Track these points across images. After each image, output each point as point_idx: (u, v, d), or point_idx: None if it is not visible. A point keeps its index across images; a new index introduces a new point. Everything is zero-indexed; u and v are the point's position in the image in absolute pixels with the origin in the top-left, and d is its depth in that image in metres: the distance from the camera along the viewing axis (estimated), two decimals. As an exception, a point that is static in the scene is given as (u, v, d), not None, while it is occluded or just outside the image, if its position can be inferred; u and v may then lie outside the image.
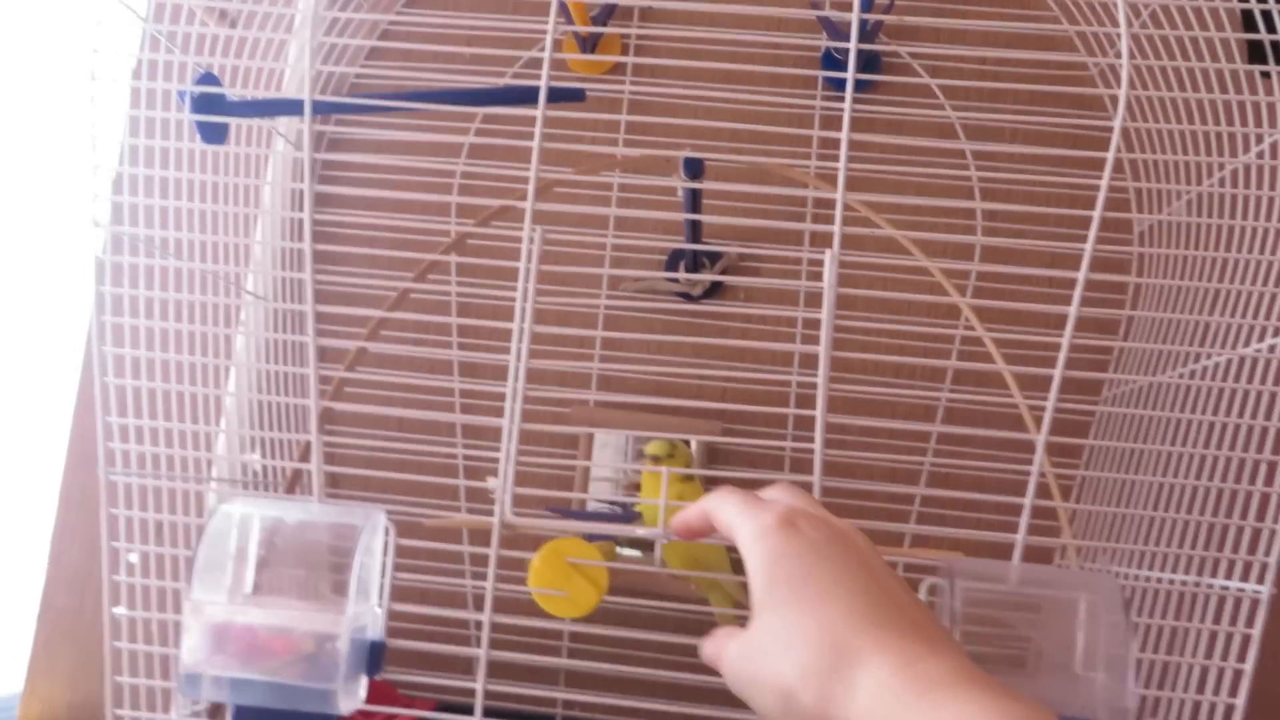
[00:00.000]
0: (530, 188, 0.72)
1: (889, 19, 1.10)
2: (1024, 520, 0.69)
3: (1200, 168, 0.94)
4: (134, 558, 0.75)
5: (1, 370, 1.26)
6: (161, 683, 0.73)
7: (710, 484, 0.87)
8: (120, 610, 0.73)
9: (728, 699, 0.93)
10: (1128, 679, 0.64)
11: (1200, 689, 0.71)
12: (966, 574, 0.68)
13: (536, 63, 1.14)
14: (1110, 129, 0.68)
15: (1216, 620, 0.72)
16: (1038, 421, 0.69)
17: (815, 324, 1.05)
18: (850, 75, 0.67)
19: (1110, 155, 0.67)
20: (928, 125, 1.13)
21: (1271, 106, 0.83)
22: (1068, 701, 0.66)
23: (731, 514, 0.53)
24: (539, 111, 0.73)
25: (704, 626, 0.57)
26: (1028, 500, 0.69)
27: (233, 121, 0.86)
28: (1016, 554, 0.69)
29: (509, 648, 1.03)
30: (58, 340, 1.25)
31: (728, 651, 0.50)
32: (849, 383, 1.10)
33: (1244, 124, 0.85)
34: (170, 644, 0.71)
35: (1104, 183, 0.67)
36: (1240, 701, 0.68)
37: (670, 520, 0.58)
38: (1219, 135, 0.88)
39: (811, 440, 1.03)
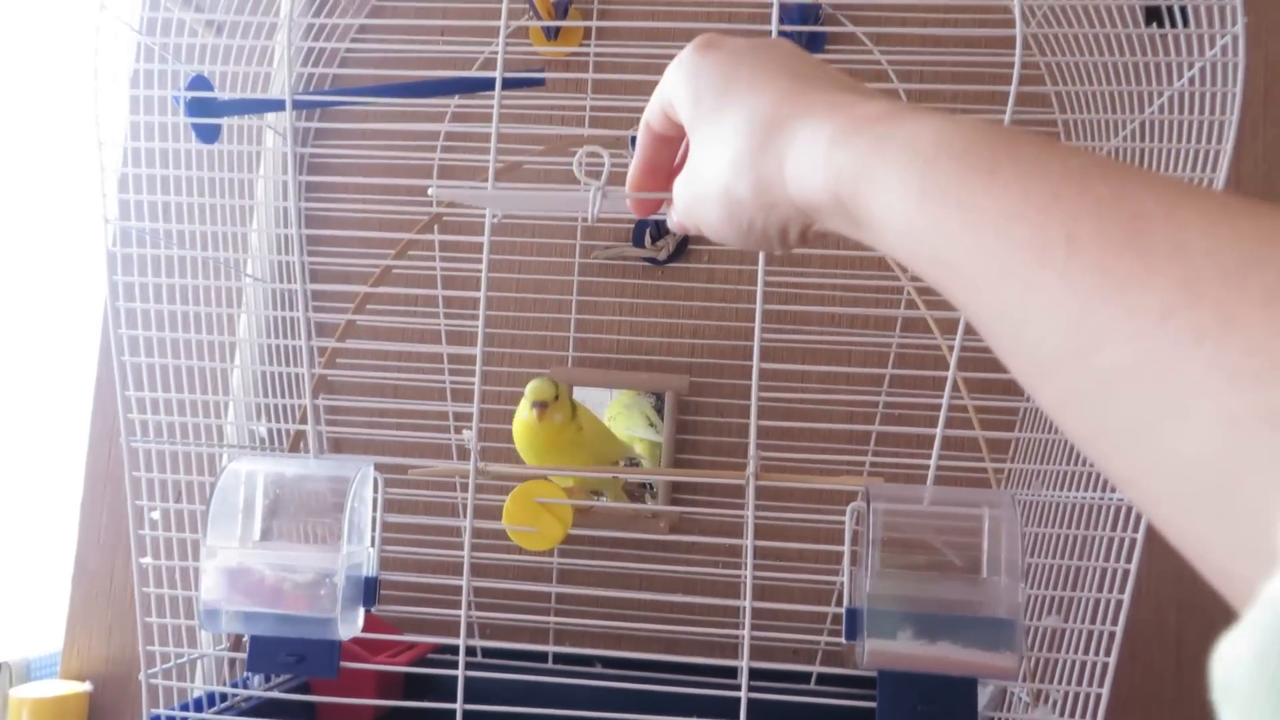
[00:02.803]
0: (490, 170, 0.81)
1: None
2: (935, 448, 0.79)
3: (1108, 124, 1.02)
4: (156, 515, 0.85)
5: (25, 356, 1.35)
6: (186, 621, 0.83)
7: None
8: (146, 560, 0.83)
9: (707, 648, 1.03)
10: (1020, 579, 0.74)
11: (1099, 588, 0.81)
12: (884, 497, 0.78)
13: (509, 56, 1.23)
14: (1014, 64, 0.76)
15: (1113, 528, 0.81)
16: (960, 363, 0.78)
17: (776, 281, 1.15)
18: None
19: (1013, 89, 0.76)
20: (864, 75, 1.20)
21: (1169, 65, 0.91)
22: (976, 602, 0.75)
23: (661, 86, 0.47)
24: (494, 104, 0.81)
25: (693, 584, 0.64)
26: (939, 430, 0.78)
27: (225, 121, 0.95)
28: (930, 478, 0.78)
29: (500, 597, 1.13)
30: (74, 328, 1.35)
31: (675, 189, 0.47)
32: (808, 333, 1.19)
33: (1146, 83, 0.93)
34: (192, 587, 0.81)
35: (1008, 113, 0.76)
36: (1126, 598, 0.78)
37: (632, 180, 0.51)
38: (1124, 95, 0.96)
39: (769, 390, 1.13)
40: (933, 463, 0.79)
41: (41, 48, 1.39)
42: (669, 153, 0.50)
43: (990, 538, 0.75)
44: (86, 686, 1.19)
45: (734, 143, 0.41)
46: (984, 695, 0.98)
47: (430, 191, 0.59)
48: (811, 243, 0.42)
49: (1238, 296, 0.23)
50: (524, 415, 0.92)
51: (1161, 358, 0.24)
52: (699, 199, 0.44)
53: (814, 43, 1.20)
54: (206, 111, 0.90)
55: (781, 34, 1.18)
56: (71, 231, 1.38)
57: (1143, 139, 0.96)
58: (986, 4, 1.01)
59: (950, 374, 0.79)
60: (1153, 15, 0.92)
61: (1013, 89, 0.77)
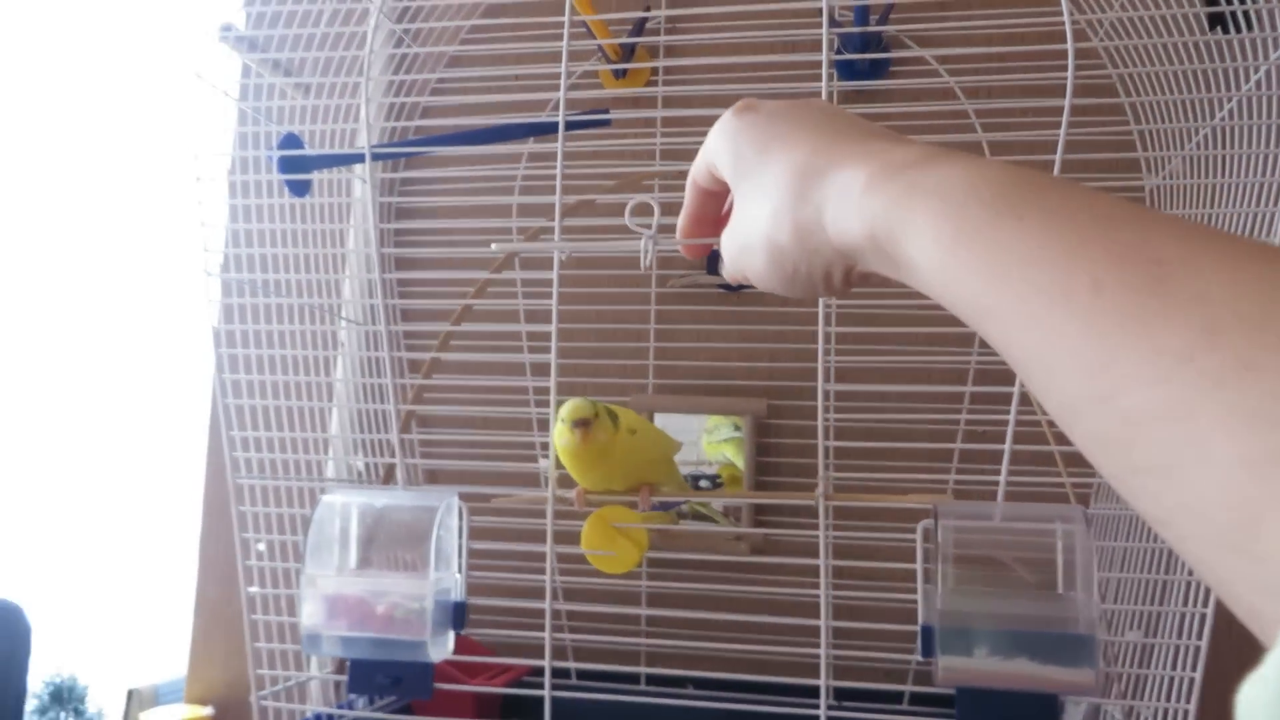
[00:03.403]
0: (556, 210, 0.85)
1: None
2: (1004, 464, 0.79)
3: (1181, 133, 1.00)
4: (262, 546, 0.91)
5: (144, 405, 1.45)
6: (293, 646, 0.89)
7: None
8: (254, 589, 0.89)
9: (795, 668, 1.04)
10: (1095, 594, 0.73)
11: (1184, 602, 0.80)
12: (953, 514, 0.78)
13: (577, 99, 1.27)
14: (1067, 78, 0.77)
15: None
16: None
17: (852, 304, 1.16)
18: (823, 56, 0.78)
19: (1067, 99, 0.77)
20: (932, 95, 1.21)
21: (1235, 70, 0.90)
22: (1052, 618, 0.75)
23: (705, 147, 0.50)
24: (559, 145, 0.85)
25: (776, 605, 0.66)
26: (1006, 446, 0.79)
27: (315, 176, 1.01)
28: (1000, 494, 0.79)
29: (592, 620, 1.17)
30: (190, 375, 1.44)
31: (723, 241, 0.49)
32: (885, 353, 1.20)
33: (1215, 89, 0.92)
34: (296, 614, 0.86)
35: (1063, 126, 0.77)
36: (1210, 611, 0.76)
37: (681, 229, 0.54)
38: (1194, 103, 0.96)
39: (849, 411, 1.14)
40: (1002, 479, 0.79)
41: (146, 115, 1.49)
42: (715, 205, 0.53)
43: (1064, 553, 0.75)
44: (209, 710, 1.26)
45: (774, 195, 0.43)
46: (1076, 713, 0.96)
47: (493, 247, 0.63)
48: (856, 285, 0.44)
49: (1257, 342, 0.24)
50: (562, 442, 0.85)
51: (1183, 401, 0.25)
52: (745, 250, 0.45)
53: (876, 70, 1.21)
54: (298, 167, 0.96)
55: (841, 64, 1.21)
56: (181, 286, 1.48)
57: (1214, 146, 0.95)
58: (1050, 23, 1.01)
59: (1015, 388, 0.79)
60: (1216, 21, 0.92)
61: (1066, 102, 0.78)
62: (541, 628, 1.03)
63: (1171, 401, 0.25)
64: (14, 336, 1.53)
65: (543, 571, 1.05)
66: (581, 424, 0.83)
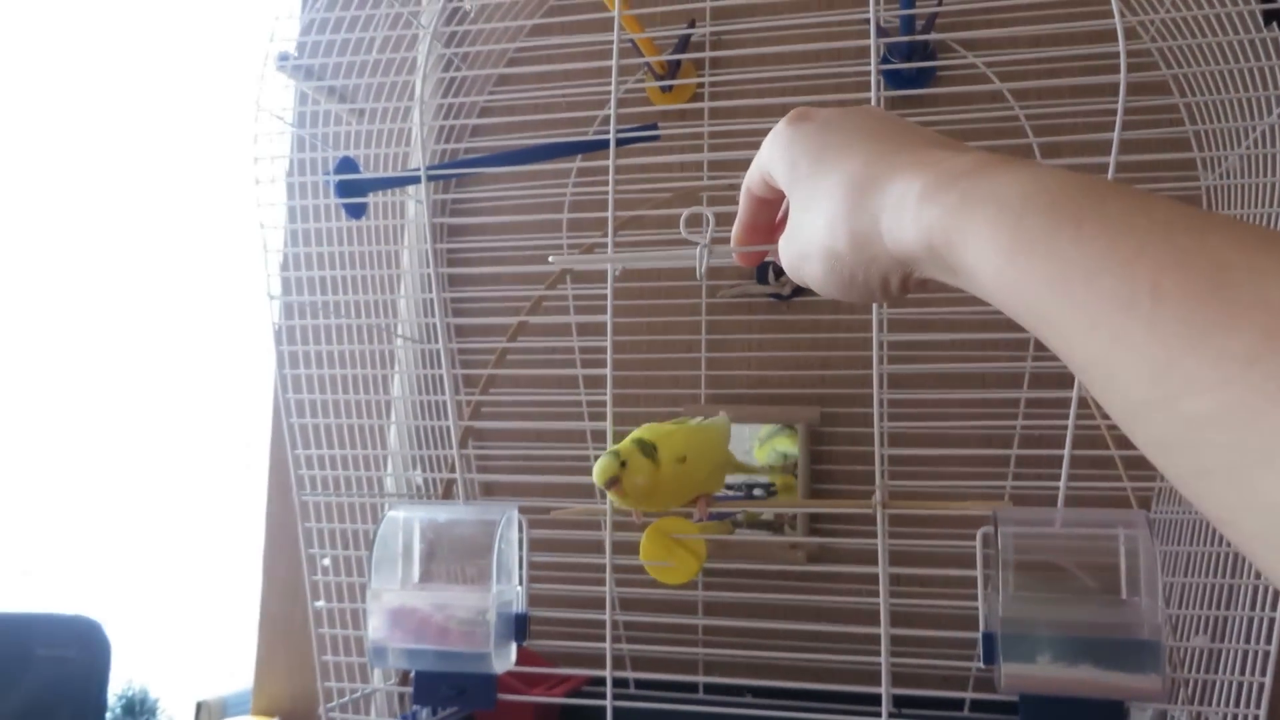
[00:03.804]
0: (609, 225, 0.86)
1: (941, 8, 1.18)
2: (1064, 470, 0.78)
3: (1236, 131, 0.99)
4: (327, 561, 0.93)
5: (206, 426, 1.49)
6: (359, 659, 0.91)
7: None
8: (320, 603, 0.91)
9: (854, 676, 1.04)
10: (1159, 600, 0.72)
11: (1252, 605, 0.78)
12: (1012, 520, 0.78)
13: (624, 114, 1.29)
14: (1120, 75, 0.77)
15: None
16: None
17: (904, 312, 1.16)
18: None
19: (1120, 100, 0.76)
20: (981, 98, 1.20)
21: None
22: (1116, 624, 0.75)
23: (759, 156, 0.50)
24: (610, 160, 0.87)
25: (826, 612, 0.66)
26: (1066, 451, 0.78)
27: (371, 198, 1.04)
28: (1060, 499, 0.78)
29: (650, 630, 1.17)
30: (251, 396, 1.48)
31: (780, 248, 0.50)
32: (940, 360, 1.19)
33: (1272, 88, 0.91)
34: (361, 627, 0.88)
35: (1117, 126, 0.76)
36: (1279, 615, 0.75)
37: (736, 238, 0.55)
38: (1250, 101, 0.94)
39: (903, 418, 1.14)
40: (1062, 484, 0.79)
41: (207, 145, 1.53)
42: (769, 213, 0.53)
43: (1127, 558, 0.74)
44: (275, 723, 1.29)
45: (829, 204, 0.43)
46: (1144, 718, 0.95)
47: (551, 260, 0.64)
48: (914, 291, 0.44)
49: None
50: (606, 505, 0.83)
51: (1246, 404, 0.25)
52: (802, 258, 0.46)
53: (923, 77, 1.21)
54: (354, 191, 0.99)
55: (888, 73, 1.21)
56: (244, 308, 1.51)
57: (1270, 144, 0.94)
58: (1100, 25, 1.01)
59: (1074, 393, 0.79)
60: (1271, 17, 0.90)
61: (1120, 103, 0.77)
62: (600, 638, 1.04)
63: (1235, 404, 0.25)
64: (86, 361, 1.58)
65: (601, 583, 1.07)
66: (610, 484, 0.78)
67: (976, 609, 1.11)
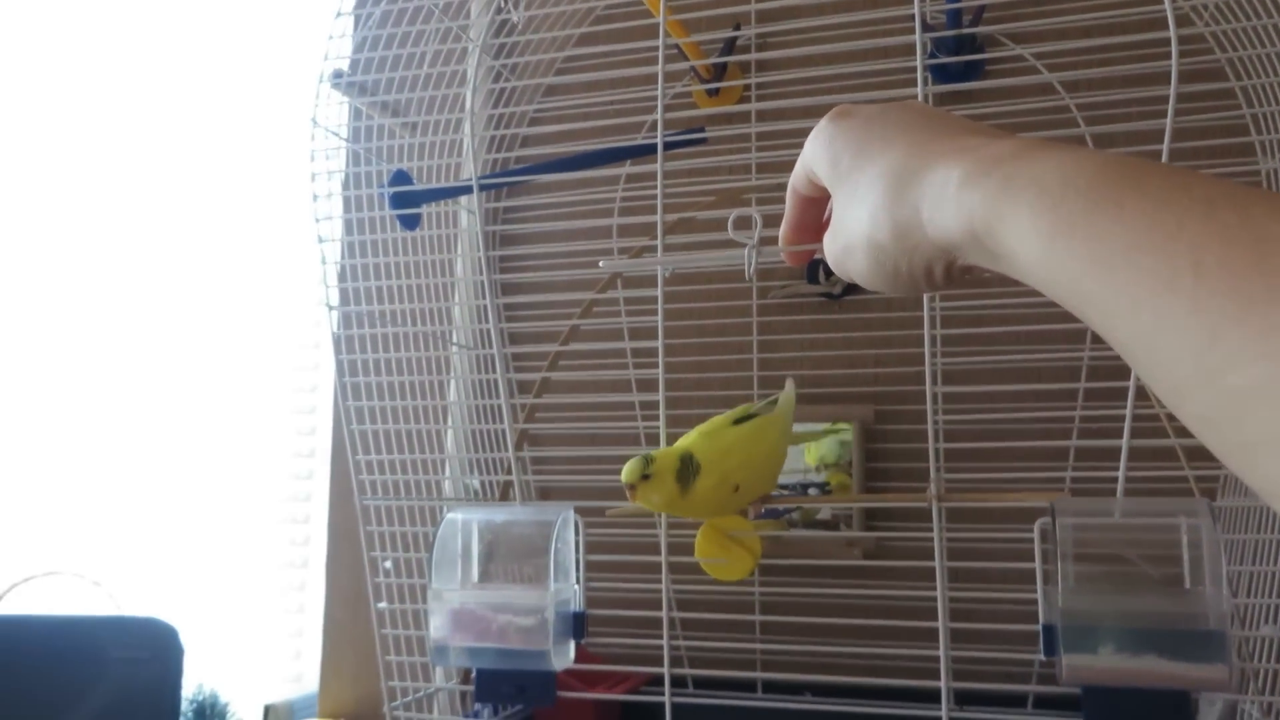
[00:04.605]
0: (659, 228, 0.87)
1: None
2: (1123, 460, 0.78)
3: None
4: (389, 564, 0.95)
5: (269, 435, 1.53)
6: (421, 659, 0.92)
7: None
8: (382, 605, 0.93)
9: (913, 673, 1.04)
10: (1224, 588, 0.71)
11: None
12: (1071, 511, 0.77)
13: (671, 119, 1.30)
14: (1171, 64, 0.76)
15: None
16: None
17: (957, 306, 1.15)
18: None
19: (1172, 87, 0.76)
20: (1031, 90, 1.19)
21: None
22: (1180, 614, 0.73)
23: (803, 154, 0.51)
24: (658, 164, 0.88)
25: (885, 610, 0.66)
26: (1124, 440, 0.78)
27: (424, 209, 1.06)
28: (1119, 489, 0.77)
29: (707, 629, 1.18)
30: (310, 407, 1.51)
31: (824, 244, 0.50)
32: (993, 353, 1.18)
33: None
34: (423, 628, 0.90)
35: (1169, 114, 0.76)
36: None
37: (784, 237, 0.56)
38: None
39: (957, 412, 1.13)
40: (1120, 474, 0.78)
41: (264, 162, 1.57)
42: (815, 211, 0.54)
43: (1190, 547, 0.74)
44: (341, 725, 1.32)
45: (871, 197, 0.43)
46: (1213, 713, 0.93)
47: (601, 264, 0.65)
48: (958, 279, 0.44)
49: None
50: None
51: None
52: (847, 252, 0.47)
53: (971, 71, 1.20)
54: (407, 202, 1.01)
55: (934, 68, 1.20)
56: (301, 320, 1.55)
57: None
58: (1151, 11, 1.00)
59: (1131, 382, 0.78)
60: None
61: (1172, 90, 0.77)
62: (656, 636, 1.05)
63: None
64: (152, 372, 1.63)
65: (657, 581, 1.08)
66: (629, 488, 0.75)
67: (1037, 600, 1.10)
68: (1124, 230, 0.31)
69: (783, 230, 0.56)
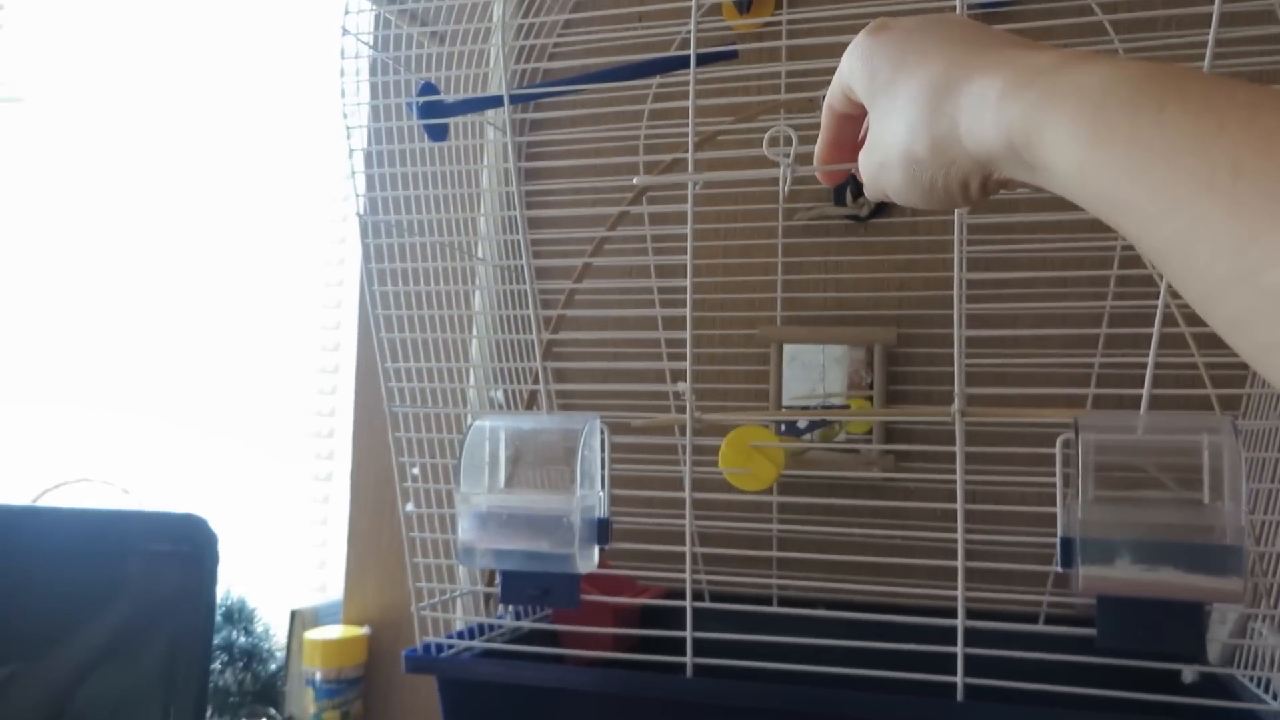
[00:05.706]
0: (690, 143, 0.87)
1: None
2: (1149, 375, 0.78)
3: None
4: (416, 469, 0.97)
5: (293, 352, 1.54)
6: (446, 561, 0.94)
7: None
8: (410, 508, 0.95)
9: (926, 572, 1.05)
10: (1242, 504, 0.72)
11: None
12: (1094, 426, 0.78)
13: (704, 33, 1.28)
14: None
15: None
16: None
17: (978, 229, 1.14)
18: None
19: (1212, 31, 0.74)
20: (1069, 10, 1.17)
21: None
22: (1197, 527, 0.74)
23: (840, 70, 0.50)
24: (690, 76, 0.87)
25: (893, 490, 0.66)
26: (1150, 355, 0.78)
27: (451, 121, 1.06)
28: (1143, 405, 0.78)
29: (724, 544, 1.20)
30: (335, 323, 1.52)
31: (860, 161, 0.50)
32: (1018, 298, 1.16)
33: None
34: (449, 531, 0.92)
35: (1208, 54, 0.74)
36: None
37: (819, 155, 0.56)
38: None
39: (981, 344, 1.13)
40: (1145, 390, 0.78)
41: (294, 72, 1.57)
42: (852, 129, 0.54)
43: (1210, 461, 0.74)
44: (365, 630, 1.35)
45: (909, 110, 0.43)
46: (1225, 629, 0.95)
47: (635, 180, 0.65)
48: (993, 192, 0.44)
49: None
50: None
51: None
52: (883, 167, 0.46)
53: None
54: (435, 113, 1.01)
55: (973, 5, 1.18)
56: (326, 228, 1.55)
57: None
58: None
59: (1163, 284, 0.78)
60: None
61: (1211, 31, 0.75)
62: (677, 569, 1.06)
63: None
64: (179, 285, 1.64)
65: (677, 514, 1.09)
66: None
67: (1049, 543, 1.10)
68: (1164, 133, 0.32)
69: (818, 148, 0.56)
